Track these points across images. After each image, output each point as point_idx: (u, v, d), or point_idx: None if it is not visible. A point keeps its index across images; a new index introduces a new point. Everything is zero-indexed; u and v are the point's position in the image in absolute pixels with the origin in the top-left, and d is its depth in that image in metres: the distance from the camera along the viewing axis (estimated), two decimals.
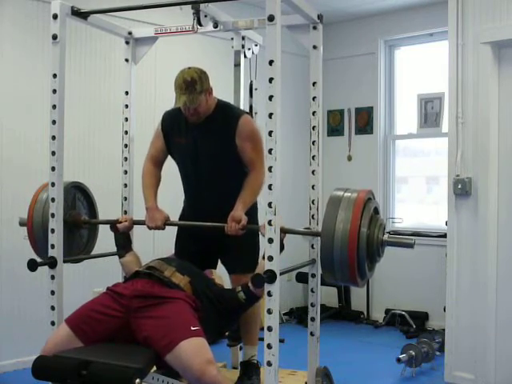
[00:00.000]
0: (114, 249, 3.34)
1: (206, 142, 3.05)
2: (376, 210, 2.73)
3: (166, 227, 3.10)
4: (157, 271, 2.77)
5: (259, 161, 2.99)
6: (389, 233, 6.02)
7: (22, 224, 3.22)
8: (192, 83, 2.91)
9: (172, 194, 3.41)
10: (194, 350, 2.41)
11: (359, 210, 2.58)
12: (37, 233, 3.11)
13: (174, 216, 3.23)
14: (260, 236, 2.89)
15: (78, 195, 3.33)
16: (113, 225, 3.18)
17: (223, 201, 3.00)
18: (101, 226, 3.44)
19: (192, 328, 2.48)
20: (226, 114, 3.06)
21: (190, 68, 2.98)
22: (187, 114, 3.00)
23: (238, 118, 3.03)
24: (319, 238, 2.76)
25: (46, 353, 2.50)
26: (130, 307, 2.59)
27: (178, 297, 2.64)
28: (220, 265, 3.38)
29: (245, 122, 3.03)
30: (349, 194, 2.65)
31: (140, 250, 3.43)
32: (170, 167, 3.28)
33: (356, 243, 2.53)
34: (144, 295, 2.62)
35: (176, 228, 3.32)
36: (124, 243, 3.16)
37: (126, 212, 3.43)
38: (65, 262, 2.98)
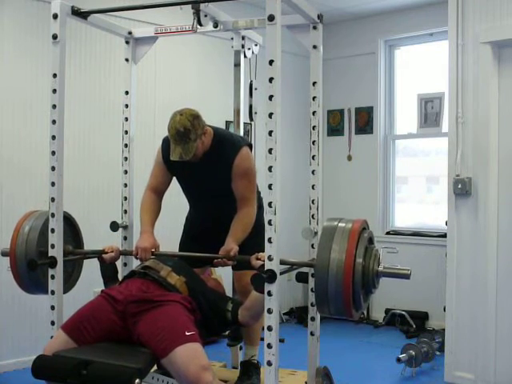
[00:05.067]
0: None
1: (205, 176, 3.05)
2: (370, 240, 2.66)
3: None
4: (152, 271, 2.76)
5: (252, 197, 3.03)
6: (388, 234, 6.07)
7: (4, 254, 3.12)
8: (186, 134, 2.83)
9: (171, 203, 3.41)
10: (188, 356, 2.39)
11: (354, 240, 2.50)
12: (20, 266, 3.01)
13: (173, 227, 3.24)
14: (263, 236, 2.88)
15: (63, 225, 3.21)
16: (98, 256, 3.06)
17: (224, 228, 2.99)
18: (99, 223, 3.41)
19: (187, 333, 2.46)
20: (224, 150, 3.02)
21: (181, 114, 2.86)
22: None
23: (235, 155, 2.99)
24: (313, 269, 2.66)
25: None
26: (125, 313, 2.58)
27: (174, 299, 2.63)
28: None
29: (241, 159, 3.00)
30: (343, 225, 2.57)
31: None
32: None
33: (351, 275, 2.44)
34: (139, 300, 2.61)
35: (181, 229, 3.35)
36: (110, 274, 3.05)
37: (125, 211, 3.43)
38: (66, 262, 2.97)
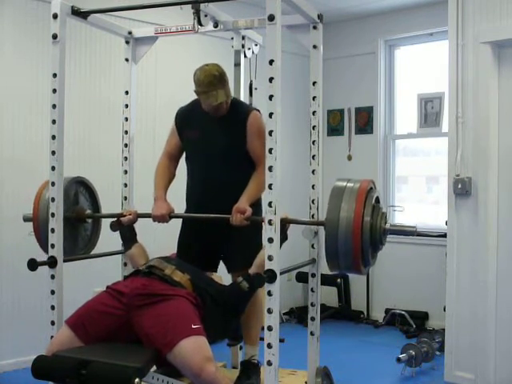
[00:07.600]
0: (114, 248, 3.35)
1: (217, 136, 3.12)
2: (377, 200, 2.78)
3: (170, 222, 3.11)
4: (157, 269, 2.78)
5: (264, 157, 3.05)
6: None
7: (26, 220, 3.23)
8: (215, 79, 3.01)
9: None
10: (193, 347, 2.43)
11: (362, 199, 2.63)
12: (42, 229, 3.11)
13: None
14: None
15: (81, 190, 3.35)
16: (116, 219, 3.19)
17: (230, 195, 3.01)
18: (102, 225, 3.43)
19: (193, 326, 2.50)
20: (237, 110, 3.15)
21: (207, 65, 3.06)
22: (211, 110, 3.08)
23: (248, 115, 3.11)
24: (323, 228, 2.76)
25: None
26: (130, 305, 2.59)
27: (179, 294, 2.65)
28: (220, 265, 3.38)
29: (254, 119, 3.12)
30: (351, 185, 2.71)
31: None
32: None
33: (360, 232, 2.58)
34: (145, 293, 2.63)
35: (179, 224, 3.34)
36: (129, 236, 3.20)
37: None
38: (67, 261, 2.99)
